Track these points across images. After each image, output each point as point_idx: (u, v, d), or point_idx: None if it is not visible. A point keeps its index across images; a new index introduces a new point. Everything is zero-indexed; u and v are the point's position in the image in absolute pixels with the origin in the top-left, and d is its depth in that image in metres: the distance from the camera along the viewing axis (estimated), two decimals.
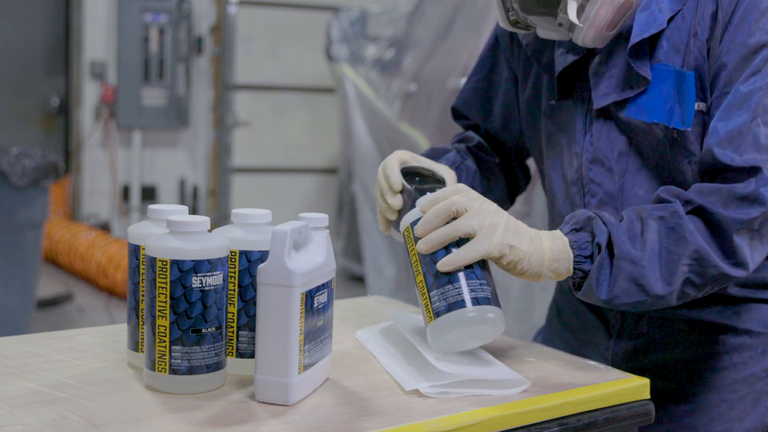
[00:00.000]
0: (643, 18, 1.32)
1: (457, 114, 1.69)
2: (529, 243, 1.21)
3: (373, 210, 5.36)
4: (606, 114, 1.39)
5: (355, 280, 6.00)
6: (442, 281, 1.18)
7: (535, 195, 3.47)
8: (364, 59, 5.63)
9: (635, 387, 1.26)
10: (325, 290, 1.16)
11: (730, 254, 1.23)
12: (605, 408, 1.22)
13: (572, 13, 1.31)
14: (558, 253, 1.23)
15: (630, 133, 1.37)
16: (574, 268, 1.24)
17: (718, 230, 1.23)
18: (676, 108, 1.31)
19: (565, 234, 1.25)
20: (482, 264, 1.20)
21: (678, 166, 1.34)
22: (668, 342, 1.44)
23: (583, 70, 1.42)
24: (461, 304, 1.17)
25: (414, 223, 1.23)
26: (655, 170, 1.36)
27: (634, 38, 1.32)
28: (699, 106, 1.30)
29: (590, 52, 1.41)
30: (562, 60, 1.43)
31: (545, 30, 1.39)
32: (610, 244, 1.23)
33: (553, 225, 1.55)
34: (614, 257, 1.23)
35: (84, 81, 6.79)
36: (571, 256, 1.23)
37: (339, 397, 1.15)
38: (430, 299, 1.19)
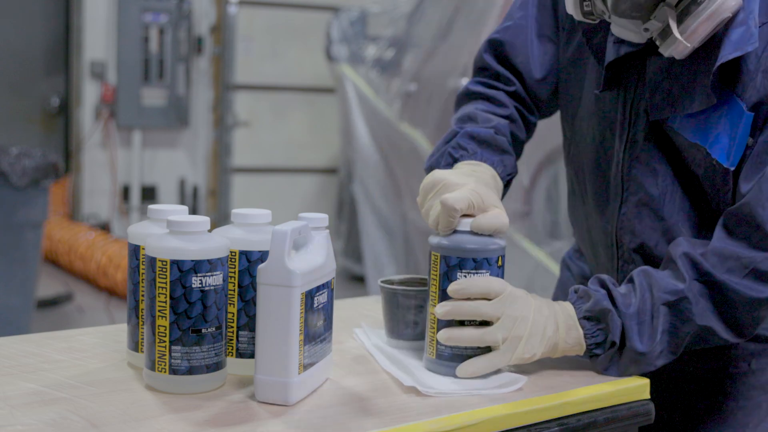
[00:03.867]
0: (738, 34, 1.20)
1: (498, 51, 1.52)
2: (545, 346, 1.21)
3: (374, 210, 5.38)
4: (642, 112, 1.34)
5: (355, 280, 6.00)
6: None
7: (535, 195, 3.47)
8: (364, 59, 5.64)
9: (635, 387, 1.26)
10: (325, 290, 1.16)
11: (738, 328, 1.24)
12: (605, 408, 1.22)
13: (674, 26, 1.21)
14: (571, 347, 1.24)
15: (675, 139, 1.31)
16: (587, 352, 1.26)
17: (731, 307, 1.22)
18: (724, 139, 1.25)
19: (580, 318, 1.24)
20: None
21: (714, 186, 1.29)
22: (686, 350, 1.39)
23: (634, 62, 1.34)
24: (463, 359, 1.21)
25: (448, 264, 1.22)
26: (696, 180, 1.31)
27: (726, 56, 1.20)
28: (748, 141, 1.24)
29: (647, 47, 1.31)
30: (615, 51, 1.34)
31: (623, 29, 1.28)
32: (622, 336, 1.24)
33: (573, 198, 1.52)
34: (624, 348, 1.24)
35: (84, 81, 6.79)
36: (584, 347, 1.25)
37: (339, 397, 1.15)
38: (437, 339, 1.22)
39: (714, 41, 1.22)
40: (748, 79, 1.22)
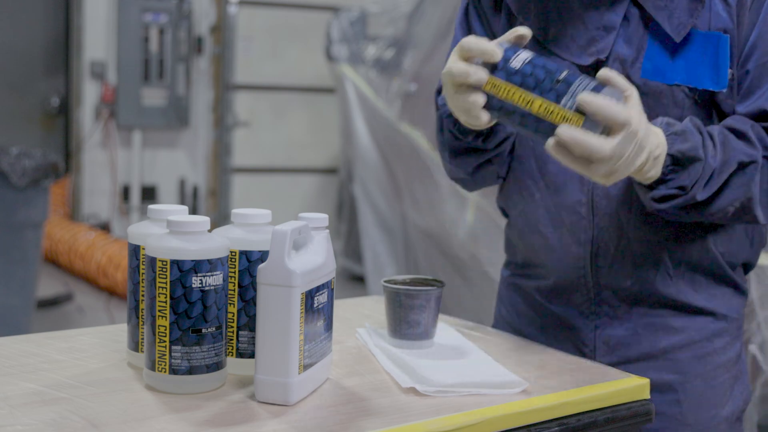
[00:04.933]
0: None
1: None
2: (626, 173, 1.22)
3: (374, 210, 5.38)
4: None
5: (355, 280, 6.00)
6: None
7: None
8: (364, 59, 5.63)
9: (635, 387, 1.26)
10: (325, 290, 1.16)
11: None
12: (605, 408, 1.22)
13: None
14: (641, 175, 1.25)
15: (643, 95, 1.33)
16: (649, 186, 1.28)
17: None
18: (704, 70, 1.32)
19: (668, 154, 1.25)
20: None
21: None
22: (650, 331, 1.43)
23: (575, 24, 1.38)
24: None
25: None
26: None
27: None
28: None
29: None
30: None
31: None
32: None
33: (522, 189, 1.48)
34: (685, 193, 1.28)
35: (84, 81, 6.79)
36: (651, 179, 1.26)
37: (339, 397, 1.15)
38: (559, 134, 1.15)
39: None
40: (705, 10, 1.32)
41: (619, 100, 1.15)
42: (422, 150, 4.63)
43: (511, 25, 1.46)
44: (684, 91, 1.34)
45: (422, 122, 4.71)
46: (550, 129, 1.16)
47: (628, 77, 1.34)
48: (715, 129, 1.30)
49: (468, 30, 1.52)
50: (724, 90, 1.33)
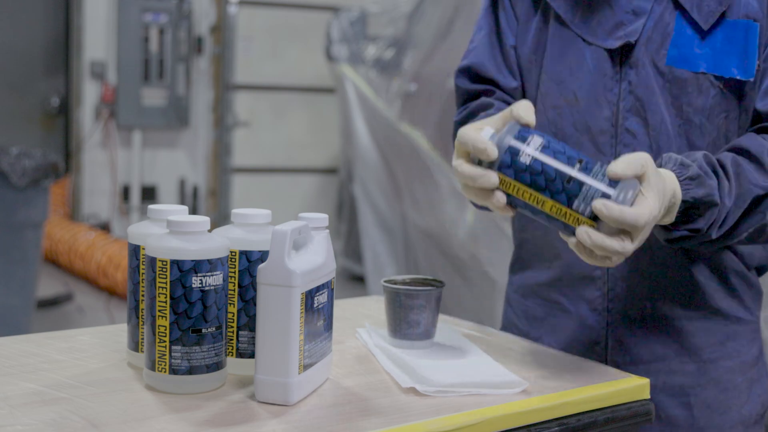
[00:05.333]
0: None
1: (469, 74, 1.52)
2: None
3: (374, 210, 5.38)
4: (640, 61, 1.35)
5: (355, 280, 6.00)
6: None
7: None
8: (364, 59, 5.63)
9: (635, 387, 1.26)
10: (325, 290, 1.16)
11: None
12: (605, 408, 1.22)
13: None
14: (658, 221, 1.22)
15: (668, 83, 1.34)
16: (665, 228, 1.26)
17: None
18: (732, 58, 1.31)
19: (682, 200, 1.22)
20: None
21: (714, 120, 1.34)
22: (664, 332, 1.41)
23: (603, 10, 1.36)
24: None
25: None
26: (687, 125, 1.35)
27: None
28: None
29: None
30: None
31: None
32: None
33: None
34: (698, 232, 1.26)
35: (84, 81, 6.79)
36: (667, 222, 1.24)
37: (339, 397, 1.15)
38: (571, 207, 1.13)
39: None
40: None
41: (635, 188, 1.12)
42: (422, 150, 4.63)
43: (536, 8, 1.44)
44: (710, 80, 1.32)
45: (422, 122, 4.71)
46: (563, 226, 1.14)
47: (654, 64, 1.34)
48: (728, 159, 1.27)
49: (495, 15, 1.50)
50: (751, 79, 1.31)
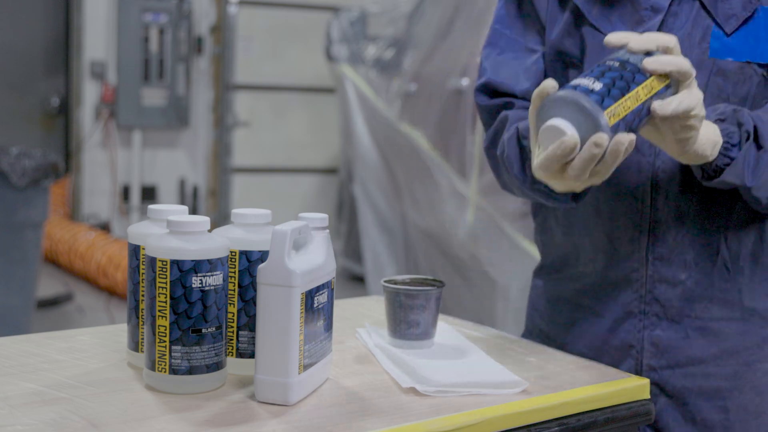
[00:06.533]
0: None
1: (489, 91, 1.50)
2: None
3: (374, 210, 5.38)
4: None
5: (355, 280, 6.00)
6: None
7: None
8: (364, 59, 5.64)
9: (635, 387, 1.26)
10: (325, 290, 1.16)
11: None
12: (605, 408, 1.22)
13: None
14: (712, 136, 1.23)
15: (712, 75, 1.34)
16: (721, 154, 1.25)
17: None
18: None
19: (713, 122, 1.24)
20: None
21: (756, 107, 1.33)
22: (701, 334, 1.38)
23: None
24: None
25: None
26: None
27: None
28: None
29: None
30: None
31: None
32: (756, 136, 1.25)
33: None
34: (761, 149, 1.25)
35: (84, 81, 6.79)
36: (720, 141, 1.24)
37: (339, 397, 1.15)
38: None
39: None
40: None
41: None
42: (422, 150, 4.63)
43: (562, 8, 1.42)
44: (753, 68, 1.32)
45: (422, 122, 4.71)
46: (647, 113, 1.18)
47: (697, 58, 1.33)
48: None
49: (518, 4, 1.49)
50: None
